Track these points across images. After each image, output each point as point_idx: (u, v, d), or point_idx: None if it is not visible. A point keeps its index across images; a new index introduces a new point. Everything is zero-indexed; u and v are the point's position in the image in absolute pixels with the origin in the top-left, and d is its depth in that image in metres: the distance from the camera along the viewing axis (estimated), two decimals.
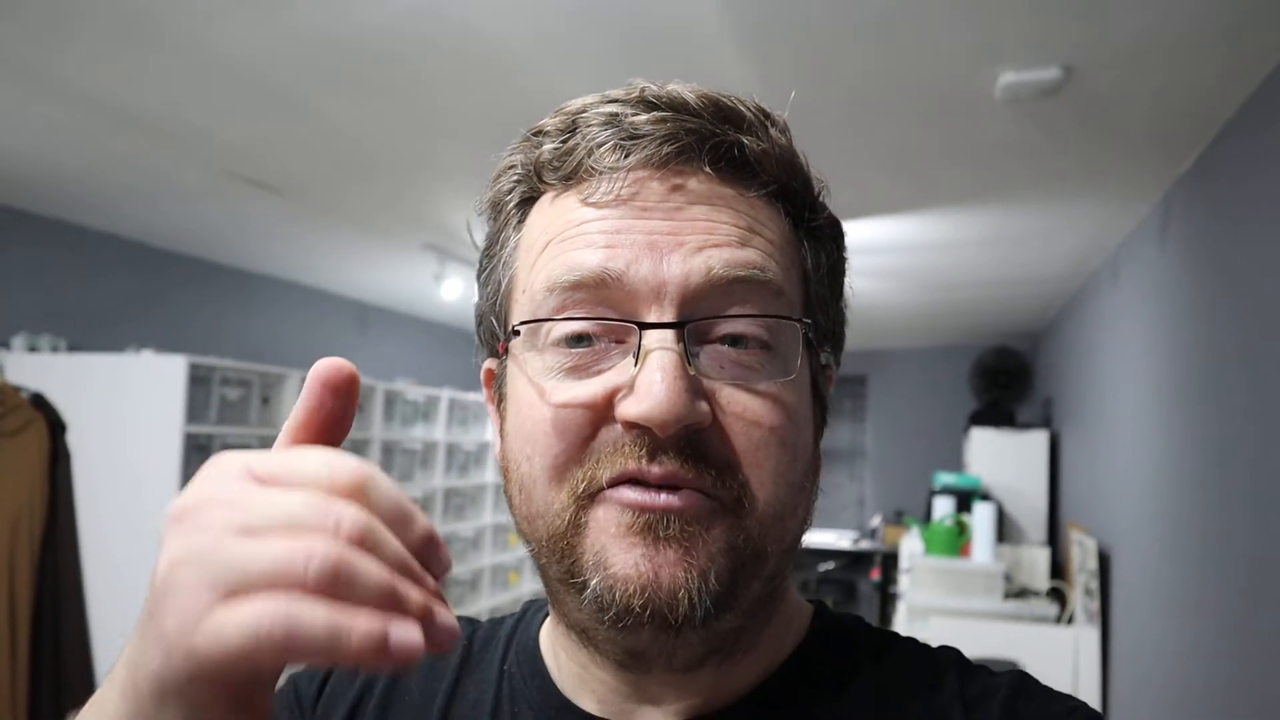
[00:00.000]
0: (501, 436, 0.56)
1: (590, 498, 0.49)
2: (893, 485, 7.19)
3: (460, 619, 0.69)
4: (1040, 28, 1.88)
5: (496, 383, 0.58)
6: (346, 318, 5.86)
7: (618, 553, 0.47)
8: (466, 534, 5.29)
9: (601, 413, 0.49)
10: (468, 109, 2.49)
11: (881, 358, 7.35)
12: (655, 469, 0.47)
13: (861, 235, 3.66)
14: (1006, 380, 6.54)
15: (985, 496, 5.07)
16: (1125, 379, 3.44)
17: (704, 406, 0.48)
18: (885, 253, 3.97)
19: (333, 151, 2.93)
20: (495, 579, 5.62)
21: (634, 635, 0.49)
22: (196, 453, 3.29)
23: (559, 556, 0.50)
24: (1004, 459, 5.35)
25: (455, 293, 4.56)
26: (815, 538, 6.99)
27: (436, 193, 3.35)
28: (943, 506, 4.77)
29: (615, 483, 0.48)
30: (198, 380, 3.27)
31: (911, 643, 0.59)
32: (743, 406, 0.49)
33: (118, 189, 3.46)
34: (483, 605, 5.41)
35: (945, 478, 5.26)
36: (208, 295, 4.81)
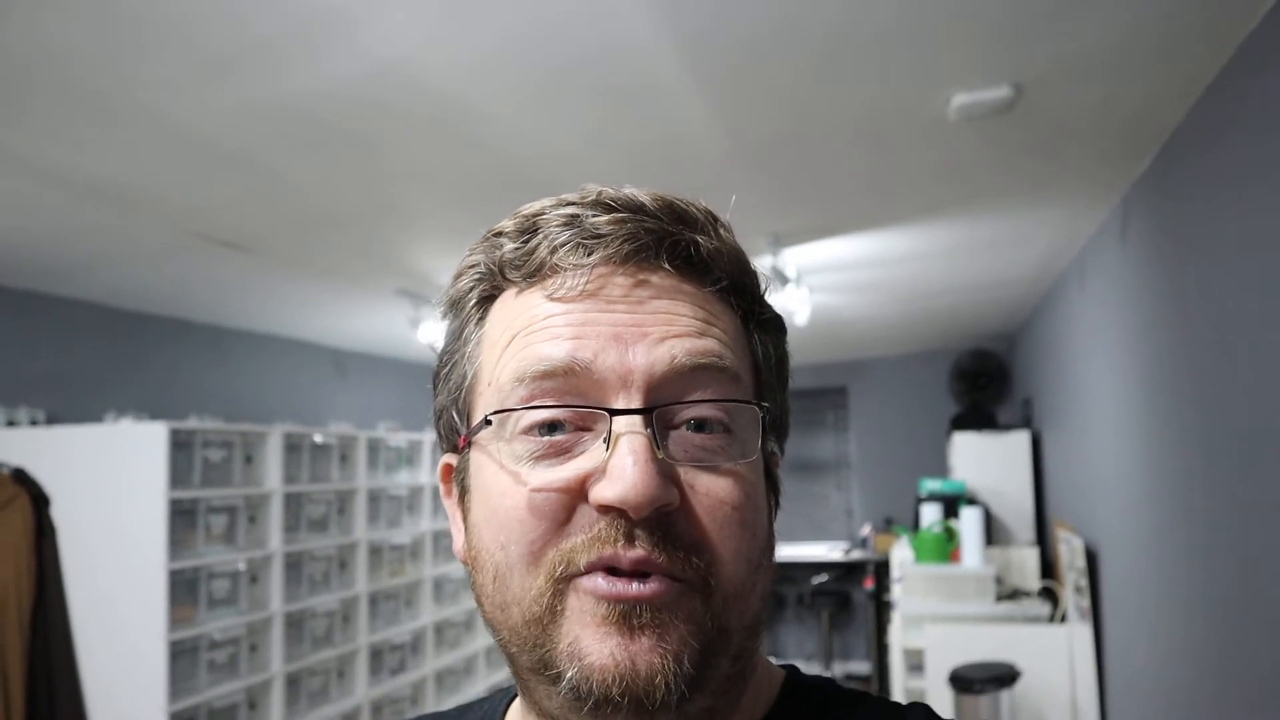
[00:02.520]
0: (465, 528, 0.57)
1: (567, 580, 0.50)
2: (880, 493, 7.21)
3: (422, 717, 0.70)
4: (987, 49, 1.93)
5: (457, 476, 0.59)
6: (325, 366, 5.85)
7: (592, 643, 0.48)
8: (458, 576, 5.27)
9: (575, 496, 0.50)
10: (425, 159, 2.52)
11: (860, 367, 7.40)
12: (631, 553, 0.48)
13: (832, 253, 3.71)
14: (985, 382, 6.57)
15: (971, 500, 5.09)
16: (1099, 377, 3.50)
17: (673, 488, 0.50)
18: (857, 268, 4.02)
19: (294, 208, 2.96)
20: None
21: None
22: (181, 517, 3.27)
23: (531, 645, 0.51)
24: (987, 461, 5.38)
25: (431, 335, 4.58)
26: (806, 550, 7.00)
27: (403, 239, 3.37)
28: (930, 513, 4.79)
29: (592, 568, 0.49)
30: (179, 445, 3.26)
31: (881, 700, 0.60)
32: (707, 487, 0.51)
33: (85, 256, 3.46)
34: (478, 645, 5.40)
35: (931, 483, 5.28)
36: (184, 354, 4.79)
